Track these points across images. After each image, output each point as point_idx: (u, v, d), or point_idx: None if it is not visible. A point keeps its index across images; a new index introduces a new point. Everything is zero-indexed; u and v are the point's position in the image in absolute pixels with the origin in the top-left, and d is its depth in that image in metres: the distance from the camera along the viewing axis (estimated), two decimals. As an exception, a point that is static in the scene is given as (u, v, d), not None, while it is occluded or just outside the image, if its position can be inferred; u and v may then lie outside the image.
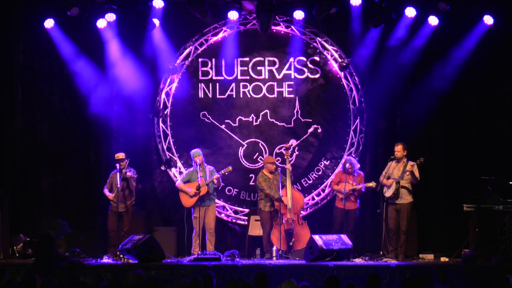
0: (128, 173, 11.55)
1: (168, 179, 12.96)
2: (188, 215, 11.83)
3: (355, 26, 12.58)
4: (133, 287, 7.58)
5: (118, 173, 11.50)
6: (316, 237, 10.65)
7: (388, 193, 11.30)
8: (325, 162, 12.89)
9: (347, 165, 11.71)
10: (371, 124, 12.89)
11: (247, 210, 12.85)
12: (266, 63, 13.13)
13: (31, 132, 12.96)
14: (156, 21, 12.39)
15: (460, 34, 12.46)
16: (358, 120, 12.86)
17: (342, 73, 12.86)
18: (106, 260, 10.95)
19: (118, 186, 11.45)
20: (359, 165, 11.88)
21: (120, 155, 11.67)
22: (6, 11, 12.59)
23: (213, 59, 13.12)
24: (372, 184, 11.55)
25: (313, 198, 12.86)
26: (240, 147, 13.02)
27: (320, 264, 10.25)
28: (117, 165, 11.55)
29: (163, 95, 13.00)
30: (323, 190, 12.79)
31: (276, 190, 11.59)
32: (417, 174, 11.20)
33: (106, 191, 11.77)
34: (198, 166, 11.61)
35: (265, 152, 12.93)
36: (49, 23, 12.43)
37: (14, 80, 12.86)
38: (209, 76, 13.13)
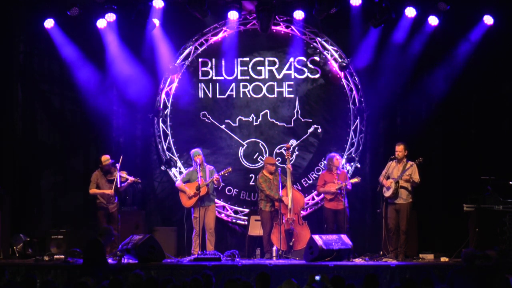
0: (131, 178, 11.56)
1: (168, 179, 12.96)
2: (188, 215, 11.85)
3: (355, 26, 12.57)
4: (133, 287, 7.57)
5: (118, 173, 11.50)
6: (316, 237, 10.65)
7: (388, 193, 11.30)
8: (325, 162, 12.87)
9: (334, 160, 11.70)
10: (371, 124, 12.88)
11: (247, 210, 12.85)
12: (266, 63, 13.13)
13: (31, 132, 12.97)
14: (156, 21, 12.40)
15: (460, 34, 12.47)
16: (358, 120, 12.86)
17: (342, 73, 12.85)
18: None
19: (119, 186, 11.47)
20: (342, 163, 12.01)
21: (108, 158, 11.65)
22: (6, 11, 12.59)
23: (213, 59, 13.11)
24: (357, 179, 11.58)
25: (313, 198, 12.85)
26: (240, 147, 13.02)
27: (320, 264, 10.25)
28: (117, 165, 11.53)
29: (163, 95, 13.00)
30: (323, 190, 12.80)
31: (276, 190, 11.58)
32: (416, 177, 11.18)
33: (99, 191, 11.63)
34: (198, 166, 11.61)
35: (265, 152, 12.92)
36: (49, 23, 12.42)
37: (14, 80, 12.86)
38: (209, 76, 13.13)
